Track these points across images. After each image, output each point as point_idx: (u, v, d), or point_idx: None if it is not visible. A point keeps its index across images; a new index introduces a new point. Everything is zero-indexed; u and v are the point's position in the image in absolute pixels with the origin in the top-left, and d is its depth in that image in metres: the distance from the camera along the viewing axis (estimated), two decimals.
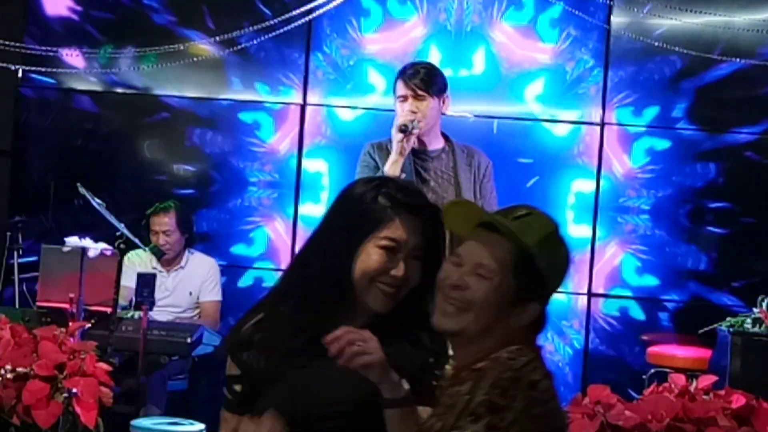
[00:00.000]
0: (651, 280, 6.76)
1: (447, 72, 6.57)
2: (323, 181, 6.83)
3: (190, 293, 6.14)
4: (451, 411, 2.05)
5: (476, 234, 2.17)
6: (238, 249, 6.91)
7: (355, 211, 2.33)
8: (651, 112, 6.77)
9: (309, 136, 6.93)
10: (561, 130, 6.84)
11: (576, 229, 6.71)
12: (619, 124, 6.77)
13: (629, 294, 6.73)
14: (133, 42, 6.66)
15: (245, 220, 6.93)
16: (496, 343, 2.10)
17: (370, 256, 2.29)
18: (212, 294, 6.19)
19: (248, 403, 2.33)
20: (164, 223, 6.07)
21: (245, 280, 6.88)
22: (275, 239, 6.91)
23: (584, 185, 6.80)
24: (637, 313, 6.76)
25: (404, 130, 4.48)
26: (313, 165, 6.91)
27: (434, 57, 6.81)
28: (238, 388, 2.35)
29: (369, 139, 4.75)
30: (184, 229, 6.16)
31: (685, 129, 6.73)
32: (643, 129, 6.76)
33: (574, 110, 6.81)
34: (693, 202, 6.72)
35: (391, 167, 4.45)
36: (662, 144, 6.78)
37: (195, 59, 6.62)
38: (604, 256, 6.77)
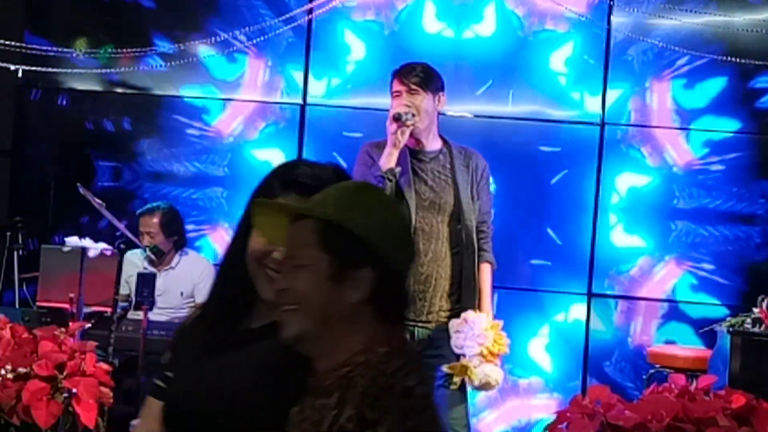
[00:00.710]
0: (712, 303, 5.80)
1: (448, 33, 5.71)
2: None
3: (182, 293, 6.14)
4: (316, 428, 1.88)
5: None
6: None
7: (254, 194, 2.21)
8: (715, 85, 5.84)
9: (259, 118, 6.16)
10: (595, 105, 5.69)
11: (623, 238, 5.68)
12: (661, 127, 5.63)
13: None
14: (134, 42, 6.64)
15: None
16: (345, 331, 1.93)
17: (253, 239, 2.16)
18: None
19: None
20: (149, 224, 6.07)
21: None
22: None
23: (633, 181, 5.65)
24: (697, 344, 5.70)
25: (398, 118, 4.48)
26: (264, 154, 6.07)
27: (429, 13, 5.74)
28: (159, 381, 2.32)
29: (340, 124, 4.65)
30: (170, 231, 6.12)
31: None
32: (702, 109, 5.70)
33: (619, 85, 5.71)
34: None
35: (386, 160, 4.46)
36: (730, 124, 5.67)
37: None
38: (654, 276, 5.81)
